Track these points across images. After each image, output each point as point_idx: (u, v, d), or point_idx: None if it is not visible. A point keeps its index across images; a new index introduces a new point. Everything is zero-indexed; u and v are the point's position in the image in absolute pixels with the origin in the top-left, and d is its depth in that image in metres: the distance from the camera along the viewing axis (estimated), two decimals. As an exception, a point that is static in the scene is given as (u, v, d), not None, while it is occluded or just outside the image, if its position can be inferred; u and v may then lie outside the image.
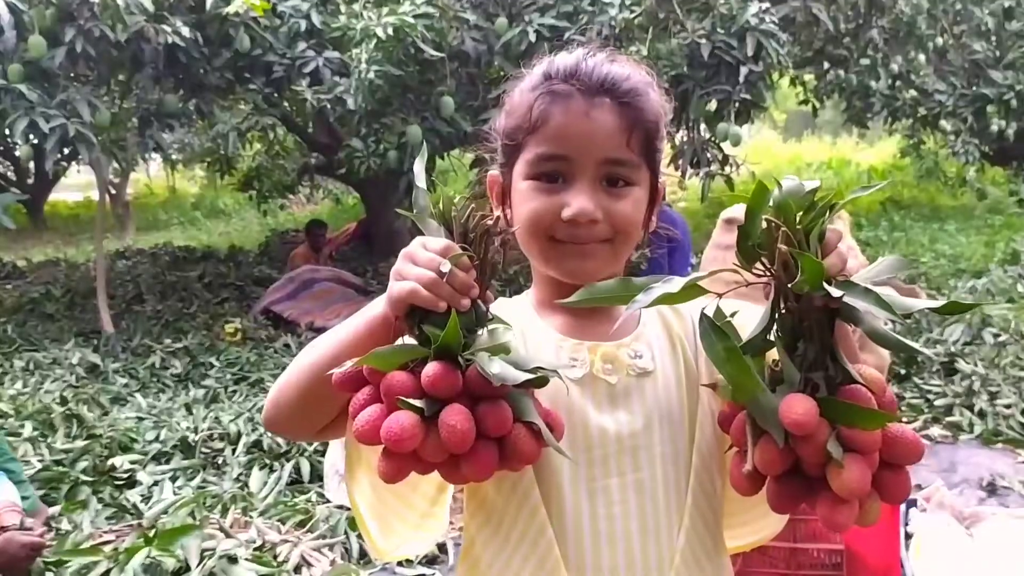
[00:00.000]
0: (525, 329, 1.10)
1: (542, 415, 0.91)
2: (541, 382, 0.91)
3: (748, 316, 0.94)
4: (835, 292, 0.82)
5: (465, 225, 0.93)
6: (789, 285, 0.84)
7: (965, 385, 4.85)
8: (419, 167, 1.00)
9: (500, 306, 1.14)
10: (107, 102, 6.64)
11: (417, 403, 0.85)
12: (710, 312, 0.88)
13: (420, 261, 0.90)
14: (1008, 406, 4.56)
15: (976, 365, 5.05)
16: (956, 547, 2.57)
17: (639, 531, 1.04)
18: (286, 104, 7.95)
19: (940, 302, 0.85)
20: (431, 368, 0.86)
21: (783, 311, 0.88)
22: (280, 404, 1.03)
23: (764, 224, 0.86)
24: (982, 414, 4.51)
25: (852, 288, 0.83)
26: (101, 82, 6.62)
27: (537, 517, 1.03)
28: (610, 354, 1.08)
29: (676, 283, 0.87)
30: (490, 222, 0.93)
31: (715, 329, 0.87)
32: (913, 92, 9.58)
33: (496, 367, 0.86)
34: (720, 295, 0.91)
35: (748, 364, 0.86)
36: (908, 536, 2.71)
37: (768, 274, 0.88)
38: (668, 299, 0.87)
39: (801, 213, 0.86)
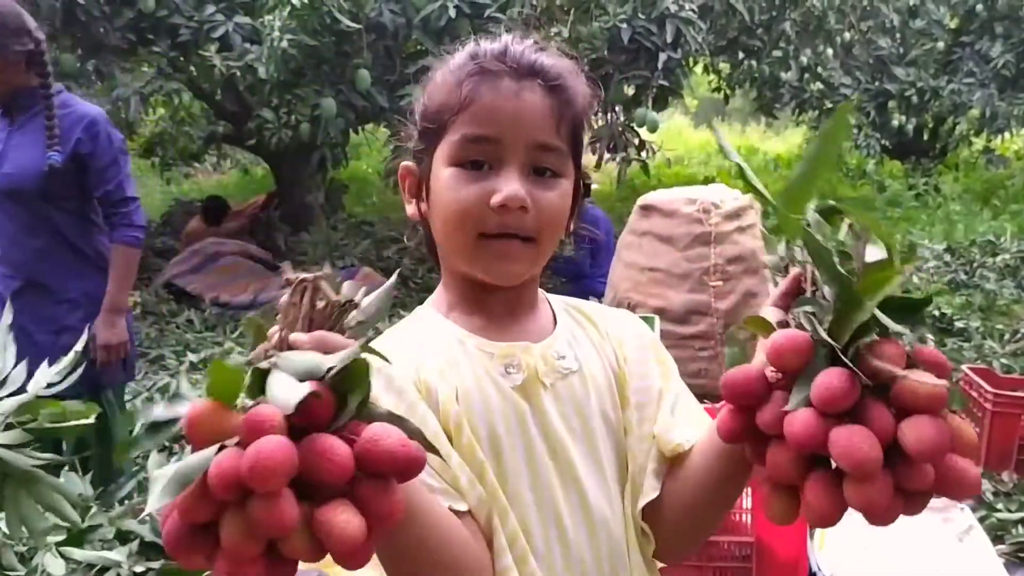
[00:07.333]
0: (443, 343, 1.02)
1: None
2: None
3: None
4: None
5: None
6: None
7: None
8: None
9: (402, 329, 1.07)
10: (-3, 59, 6.24)
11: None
12: None
13: None
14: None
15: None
16: (858, 538, 2.64)
17: (592, 557, 1.01)
18: (192, 69, 7.62)
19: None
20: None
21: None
22: None
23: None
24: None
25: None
26: (-9, 37, 6.23)
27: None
28: (539, 354, 1.03)
29: None
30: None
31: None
32: (820, 85, 9.85)
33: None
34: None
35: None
36: (813, 528, 2.78)
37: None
38: None
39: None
